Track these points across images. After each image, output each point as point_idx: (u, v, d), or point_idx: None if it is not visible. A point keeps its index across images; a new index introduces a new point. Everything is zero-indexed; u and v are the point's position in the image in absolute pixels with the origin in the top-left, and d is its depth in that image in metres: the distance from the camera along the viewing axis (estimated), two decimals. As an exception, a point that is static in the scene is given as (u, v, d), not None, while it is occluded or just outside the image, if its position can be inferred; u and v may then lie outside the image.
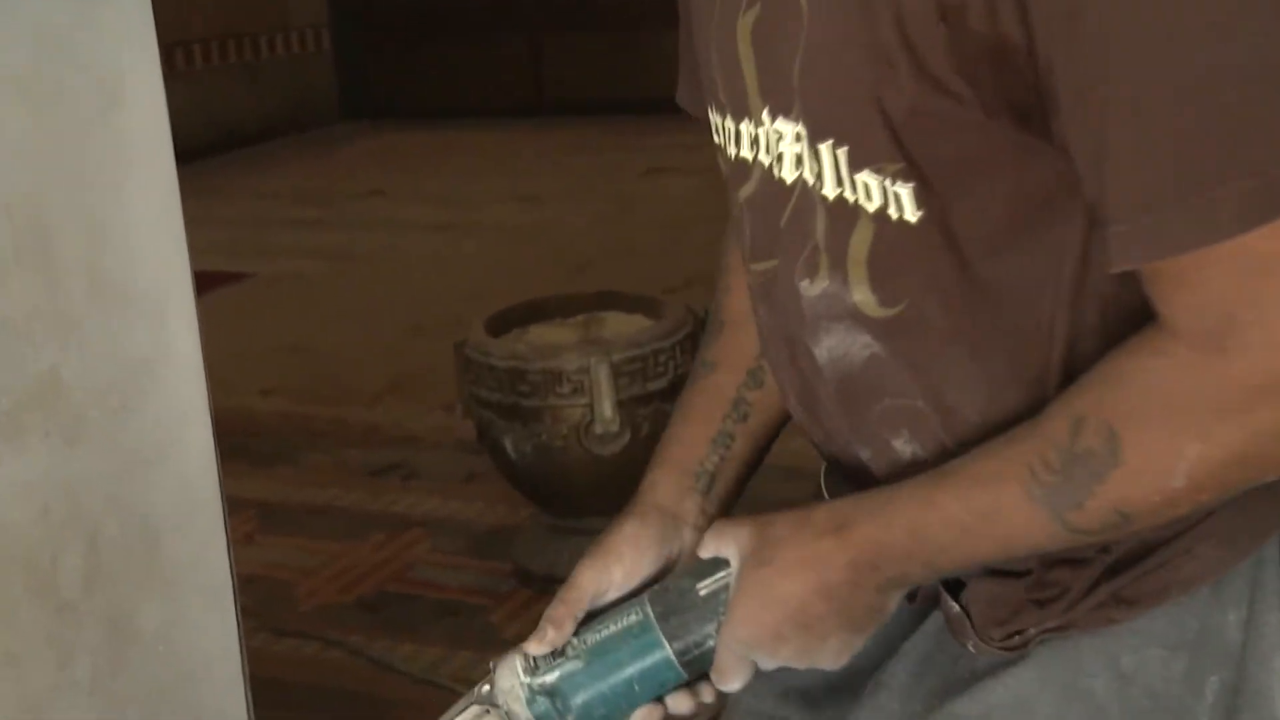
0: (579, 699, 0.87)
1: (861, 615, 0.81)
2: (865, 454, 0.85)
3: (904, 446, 0.83)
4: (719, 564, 0.85)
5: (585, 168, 5.22)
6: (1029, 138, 0.72)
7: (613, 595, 0.90)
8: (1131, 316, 0.74)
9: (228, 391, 2.84)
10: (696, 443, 0.94)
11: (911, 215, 0.75)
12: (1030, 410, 0.77)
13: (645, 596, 0.88)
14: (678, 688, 0.87)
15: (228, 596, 1.19)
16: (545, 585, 2.30)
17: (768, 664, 0.83)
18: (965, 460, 0.78)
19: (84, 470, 1.03)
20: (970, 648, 0.84)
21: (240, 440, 2.73)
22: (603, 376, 2.17)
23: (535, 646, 0.87)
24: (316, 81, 6.43)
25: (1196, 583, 0.81)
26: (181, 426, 1.12)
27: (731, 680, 0.85)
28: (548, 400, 2.19)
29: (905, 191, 0.75)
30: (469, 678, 2.14)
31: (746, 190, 0.85)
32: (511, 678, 0.89)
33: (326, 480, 2.71)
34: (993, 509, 0.77)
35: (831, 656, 0.82)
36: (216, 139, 5.46)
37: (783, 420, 0.95)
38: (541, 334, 2.32)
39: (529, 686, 0.88)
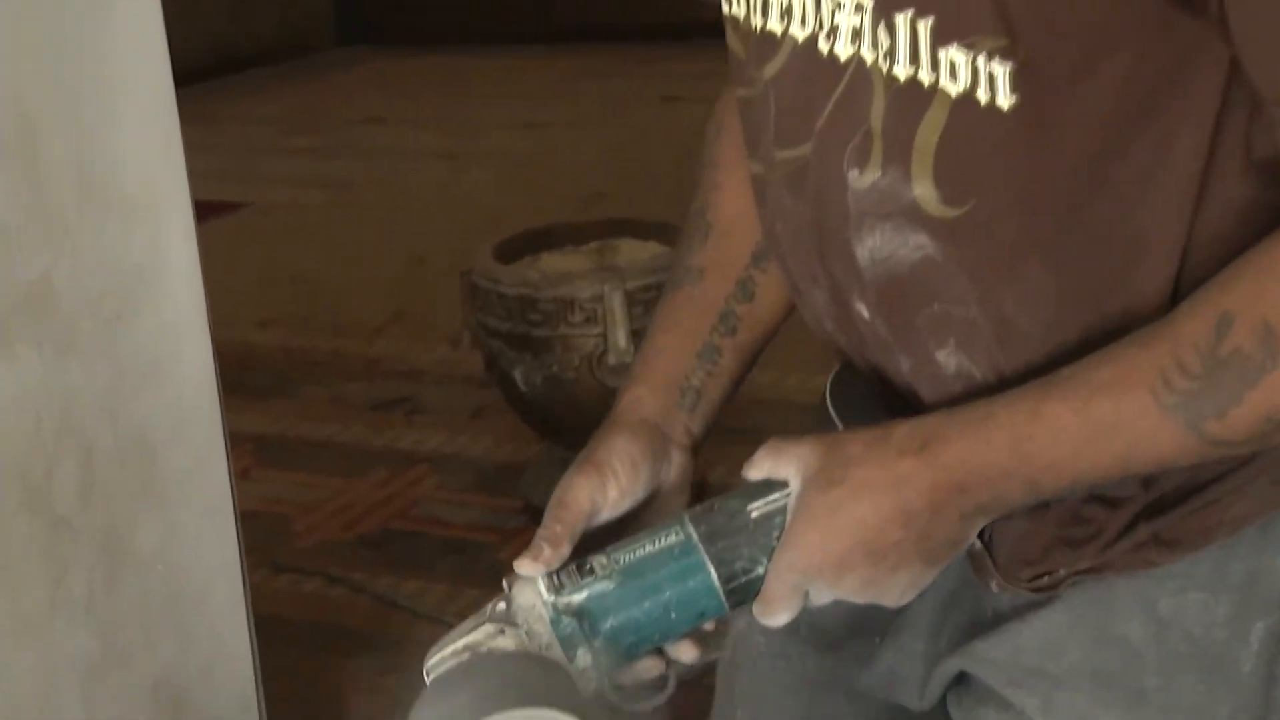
0: (609, 623, 0.83)
1: (940, 546, 0.76)
2: (905, 365, 0.80)
3: (949, 358, 0.78)
4: (774, 485, 0.81)
5: (595, 95, 5.20)
6: (1169, 7, 0.67)
7: (606, 516, 0.86)
8: (1263, 227, 0.69)
9: (223, 323, 2.84)
10: (682, 356, 0.90)
11: (1004, 100, 0.69)
12: (1104, 333, 0.73)
13: (686, 516, 0.83)
14: (715, 622, 0.83)
15: (228, 514, 1.21)
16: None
17: (824, 596, 0.79)
18: (1078, 367, 0.73)
19: (78, 382, 1.05)
20: (993, 587, 0.82)
21: (236, 373, 2.75)
22: (617, 304, 2.17)
23: (529, 566, 0.83)
24: (312, 4, 6.40)
25: (1244, 523, 0.78)
26: (179, 338, 1.13)
27: (778, 612, 0.80)
28: (559, 330, 2.20)
29: (1002, 72, 0.69)
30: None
31: (772, 68, 0.80)
32: (533, 596, 0.86)
33: (326, 414, 2.73)
34: (1114, 419, 0.72)
35: (898, 592, 0.77)
36: (207, 63, 5.45)
37: (771, 335, 0.91)
38: (553, 261, 2.33)
39: (553, 605, 0.85)
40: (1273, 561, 0.78)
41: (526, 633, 0.84)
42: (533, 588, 0.85)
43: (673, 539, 0.82)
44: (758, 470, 0.80)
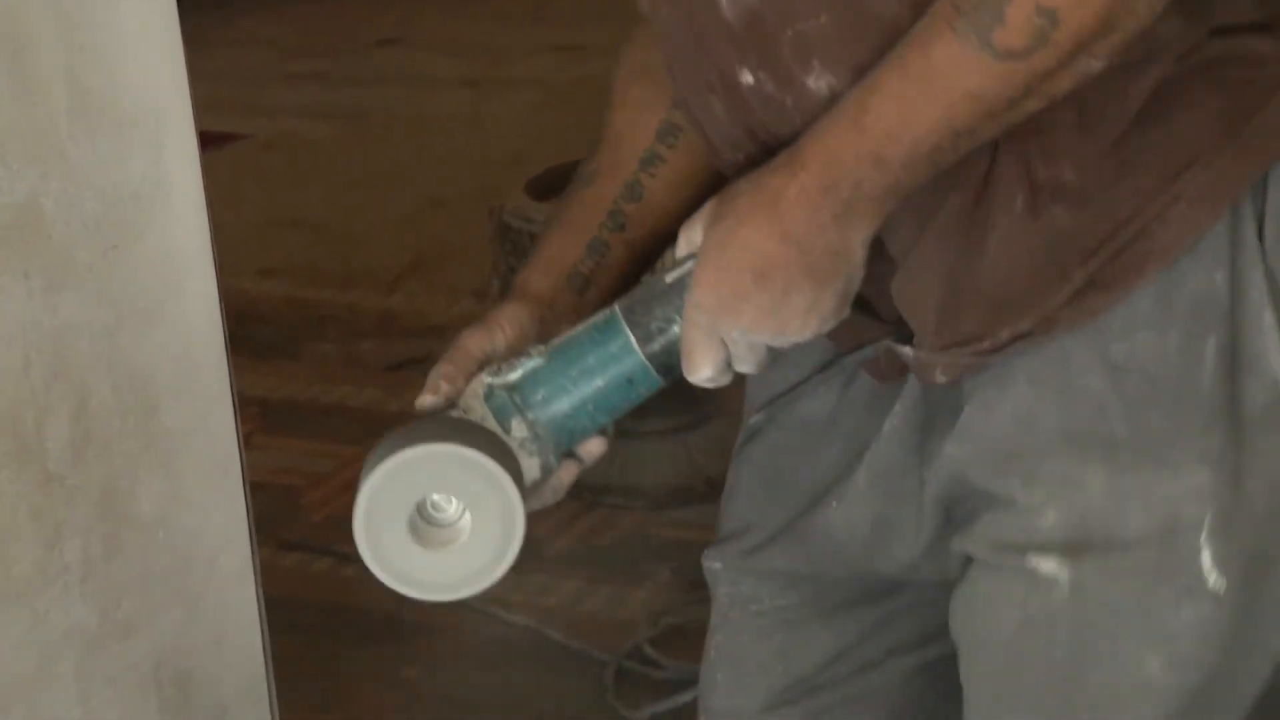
0: (540, 394, 0.99)
1: (822, 257, 0.89)
2: (794, 114, 0.93)
3: (818, 82, 0.91)
4: (690, 258, 0.95)
5: (636, 14, 5.20)
6: None
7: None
8: None
9: (221, 272, 2.87)
10: (572, 246, 1.05)
11: None
12: None
13: (615, 301, 0.99)
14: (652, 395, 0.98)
15: (235, 475, 1.23)
16: (599, 495, 2.34)
17: (740, 345, 0.92)
18: (904, 36, 0.87)
19: (70, 320, 1.07)
20: (939, 377, 0.94)
21: (236, 328, 2.76)
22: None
23: (429, 399, 1.01)
24: (316, -88, 6.41)
25: (1174, 250, 0.90)
26: (181, 272, 1.15)
27: (699, 364, 0.93)
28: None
29: None
30: (506, 598, 2.20)
31: None
32: (475, 383, 1.02)
33: (337, 375, 2.76)
34: (926, 65, 0.86)
35: (799, 318, 0.91)
36: (199, -20, 5.47)
37: (662, 237, 1.05)
38: (593, 198, 2.34)
39: (489, 386, 1.01)
40: (1210, 278, 0.90)
41: (463, 409, 1.03)
42: (477, 380, 1.03)
43: (599, 317, 0.99)
44: (679, 249, 0.95)
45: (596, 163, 1.09)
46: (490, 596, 2.16)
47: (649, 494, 2.37)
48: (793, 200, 0.89)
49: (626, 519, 2.34)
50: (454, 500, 1.07)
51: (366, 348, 2.88)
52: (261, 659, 1.27)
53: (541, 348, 1.02)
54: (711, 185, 1.04)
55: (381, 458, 1.09)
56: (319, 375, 2.78)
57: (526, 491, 1.07)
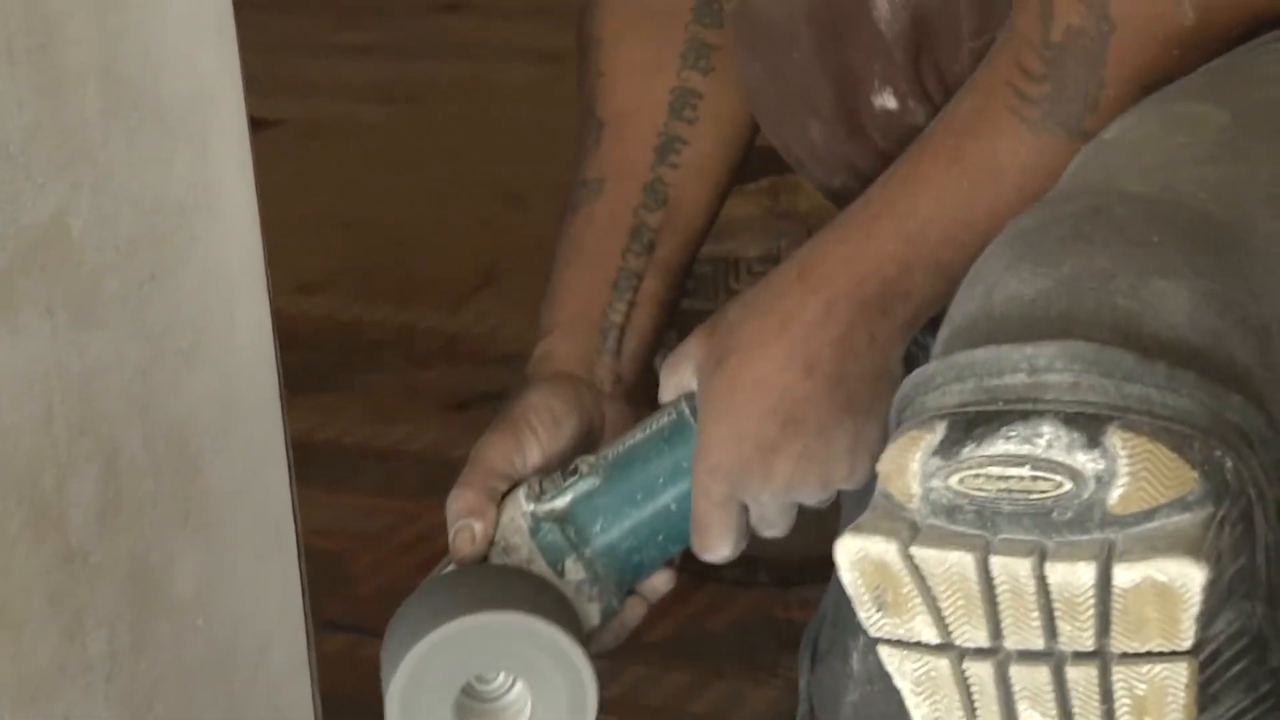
0: (598, 525, 0.96)
1: (860, 384, 0.89)
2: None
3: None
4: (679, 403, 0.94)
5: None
6: None
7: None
8: None
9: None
10: (594, 290, 1.03)
11: None
12: None
13: (681, 397, 0.96)
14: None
15: (289, 546, 1.23)
16: (712, 569, 2.33)
17: (769, 507, 0.92)
18: (941, 114, 0.87)
19: (99, 362, 1.07)
20: None
21: (271, 355, 2.80)
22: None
23: (465, 551, 0.99)
24: None
25: None
26: (230, 301, 1.16)
27: (717, 542, 0.93)
28: (718, 300, 2.21)
29: None
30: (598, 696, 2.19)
31: None
32: (513, 509, 0.99)
33: (393, 414, 2.77)
34: (990, 158, 0.86)
35: (845, 461, 0.90)
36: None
37: (699, 242, 1.04)
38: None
39: (532, 514, 0.98)
40: None
41: (504, 549, 1.00)
42: (515, 501, 1.00)
43: (665, 420, 0.96)
44: (664, 393, 0.95)
45: (598, 164, 1.05)
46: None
47: (772, 567, 2.36)
48: (813, 323, 0.88)
49: (745, 598, 2.32)
50: (503, 673, 1.06)
51: (427, 379, 2.89)
52: (318, 775, 1.27)
53: (592, 460, 0.99)
54: (744, 162, 1.02)
55: (417, 630, 1.07)
56: (370, 413, 2.78)
57: (586, 642, 1.06)
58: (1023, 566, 0.80)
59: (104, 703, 1.10)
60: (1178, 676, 0.81)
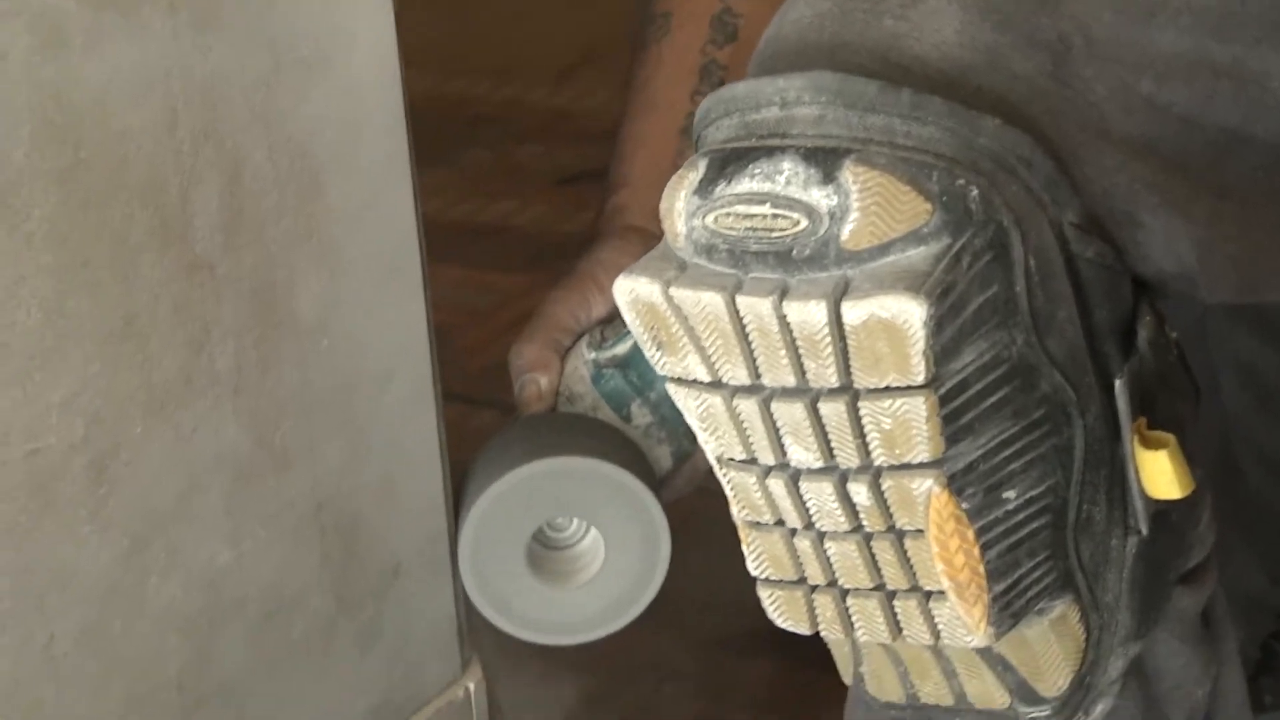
0: None
1: None
2: None
3: None
4: None
5: None
6: None
7: None
8: None
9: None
10: (664, 138, 1.06)
11: None
12: None
13: None
14: None
15: (413, 271, 1.24)
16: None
17: None
18: None
19: (222, 66, 1.07)
20: None
21: (370, 130, 2.80)
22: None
23: (532, 407, 1.04)
24: None
25: None
26: (354, 12, 1.15)
27: None
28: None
29: None
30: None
31: None
32: (576, 359, 1.03)
33: (495, 189, 2.77)
34: None
35: None
36: None
37: None
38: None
39: (594, 362, 1.02)
40: None
41: (568, 398, 1.03)
42: (578, 352, 1.04)
43: None
44: None
45: None
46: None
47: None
48: None
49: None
50: (574, 519, 1.08)
51: (529, 154, 2.88)
52: (443, 511, 1.28)
53: None
54: None
55: (486, 477, 1.09)
56: (472, 188, 2.79)
57: (659, 487, 1.06)
58: (764, 306, 0.81)
59: (232, 416, 1.11)
60: (917, 409, 0.81)
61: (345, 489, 1.21)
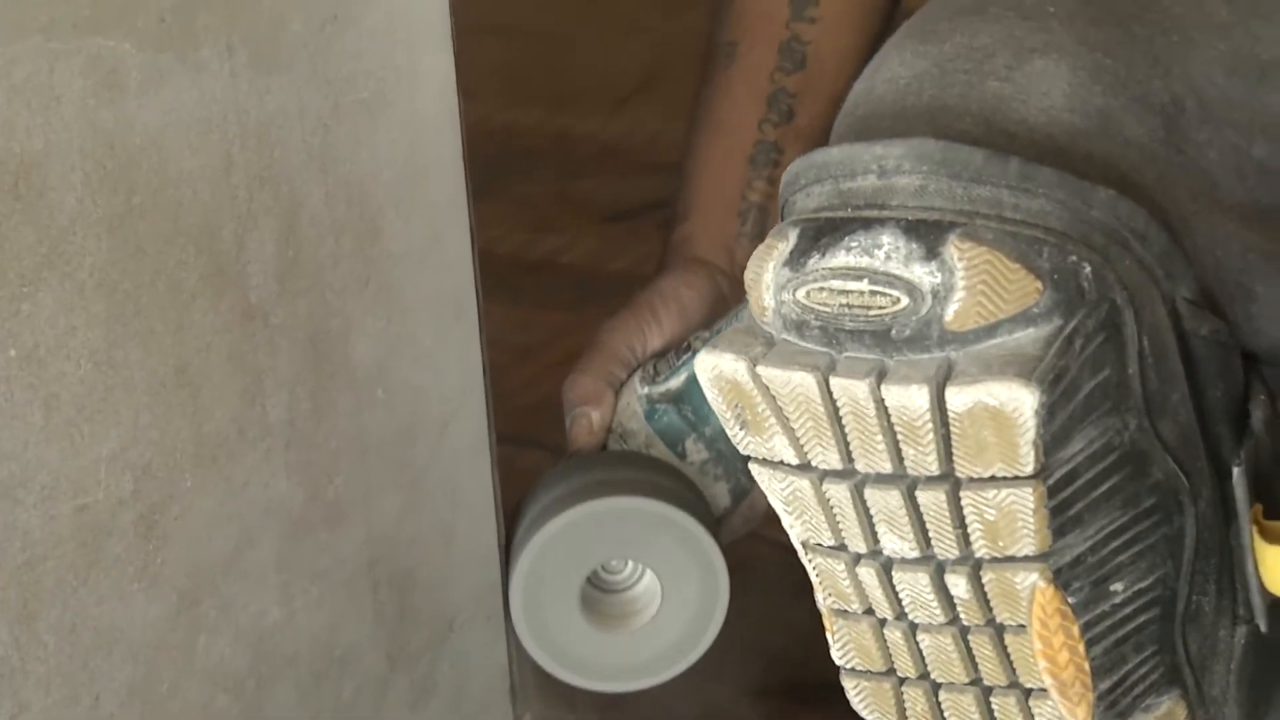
0: None
1: None
2: None
3: None
4: None
5: None
6: None
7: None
8: None
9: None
10: (731, 167, 1.04)
11: None
12: None
13: None
14: None
15: (469, 316, 1.23)
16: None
17: None
18: None
19: (280, 109, 1.06)
20: None
21: (419, 161, 2.79)
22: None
23: (584, 441, 1.03)
24: None
25: None
26: (414, 49, 1.14)
27: None
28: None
29: None
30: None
31: None
32: (629, 394, 1.02)
33: (547, 223, 2.76)
34: None
35: None
36: None
37: (840, 102, 0.97)
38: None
39: (646, 397, 1.01)
40: None
41: (621, 435, 1.03)
42: (631, 388, 1.03)
43: None
44: None
45: (732, 25, 1.04)
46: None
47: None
48: None
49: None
50: (629, 561, 1.06)
51: (584, 188, 2.87)
52: (497, 561, 1.27)
53: (705, 335, 0.98)
54: (892, 11, 0.97)
55: (538, 520, 1.08)
56: (523, 223, 2.78)
57: (717, 527, 1.05)
58: (860, 389, 0.78)
59: (284, 470, 1.10)
60: (1024, 501, 0.78)
61: (400, 542, 1.20)
